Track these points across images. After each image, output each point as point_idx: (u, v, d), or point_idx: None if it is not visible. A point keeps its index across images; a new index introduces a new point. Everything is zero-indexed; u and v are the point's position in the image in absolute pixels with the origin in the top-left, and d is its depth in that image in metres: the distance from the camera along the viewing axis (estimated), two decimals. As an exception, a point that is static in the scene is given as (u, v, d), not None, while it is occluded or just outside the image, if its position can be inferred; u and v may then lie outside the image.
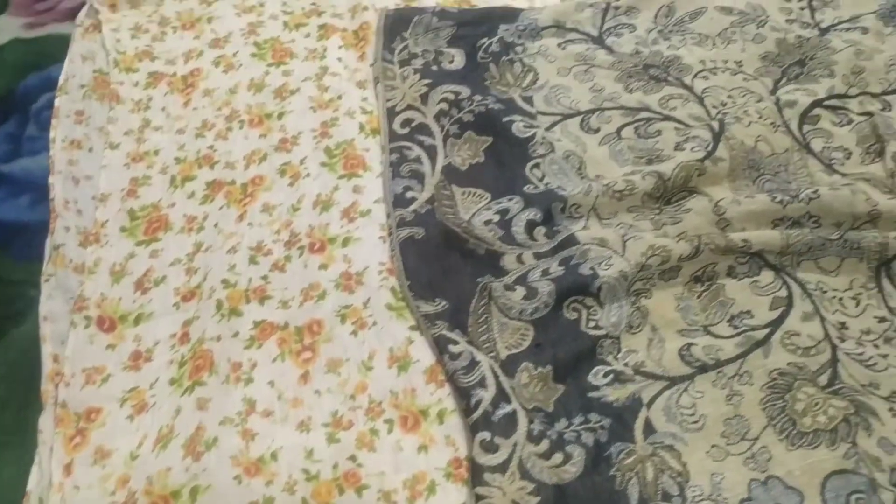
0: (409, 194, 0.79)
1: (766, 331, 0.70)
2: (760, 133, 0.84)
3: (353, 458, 0.63)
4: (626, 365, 0.68)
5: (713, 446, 0.64)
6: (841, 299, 0.73)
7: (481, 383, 0.65)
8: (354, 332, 0.69)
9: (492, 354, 0.68)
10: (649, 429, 0.64)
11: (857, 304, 0.73)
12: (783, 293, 0.73)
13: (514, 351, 0.69)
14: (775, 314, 0.71)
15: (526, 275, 0.73)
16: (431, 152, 0.83)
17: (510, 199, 0.78)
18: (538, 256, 0.75)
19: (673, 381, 0.67)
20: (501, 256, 0.75)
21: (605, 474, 0.61)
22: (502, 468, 0.61)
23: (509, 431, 0.62)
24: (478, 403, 0.64)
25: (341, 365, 0.68)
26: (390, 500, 0.61)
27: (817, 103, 0.88)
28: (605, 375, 0.68)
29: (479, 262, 0.75)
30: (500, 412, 0.64)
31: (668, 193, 0.80)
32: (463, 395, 0.65)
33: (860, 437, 0.64)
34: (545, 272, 0.73)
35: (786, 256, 0.75)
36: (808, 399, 0.66)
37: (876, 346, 0.70)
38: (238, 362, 0.68)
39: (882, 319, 0.72)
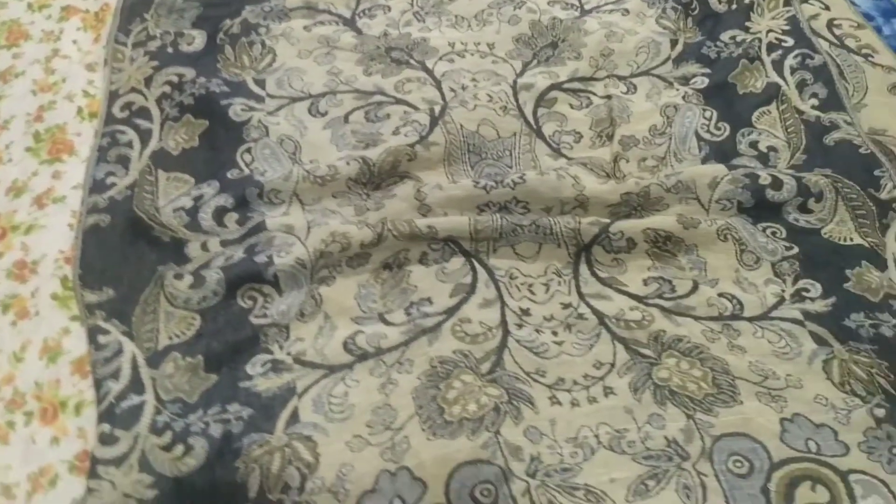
0: (109, 180, 0.77)
1: (440, 318, 0.69)
2: (485, 116, 0.83)
3: (-19, 451, 0.61)
4: (288, 354, 0.67)
5: (355, 436, 0.62)
6: (531, 285, 0.72)
7: (114, 375, 0.63)
8: (14, 323, 0.68)
9: (148, 345, 0.66)
10: (294, 419, 0.63)
11: (547, 290, 0.72)
12: (468, 280, 0.72)
13: (176, 341, 0.67)
14: (454, 301, 0.70)
15: (209, 263, 0.72)
16: (146, 136, 0.81)
17: (208, 185, 0.77)
18: (225, 244, 0.73)
19: (332, 370, 0.66)
20: (186, 244, 0.73)
21: (228, 466, 0.60)
22: (118, 461, 0.59)
23: (131, 424, 0.61)
24: (105, 395, 0.62)
25: (-7, 356, 0.66)
26: (10, 493, 0.59)
27: (556, 86, 0.87)
28: (263, 365, 0.66)
29: (164, 250, 0.73)
30: (126, 404, 0.62)
31: (377, 179, 0.78)
32: (97, 387, 0.63)
33: (506, 426, 0.63)
34: (228, 259, 0.71)
35: (481, 243, 0.74)
36: (462, 387, 0.65)
37: (554, 333, 0.69)
38: None
39: (567, 305, 0.71)
